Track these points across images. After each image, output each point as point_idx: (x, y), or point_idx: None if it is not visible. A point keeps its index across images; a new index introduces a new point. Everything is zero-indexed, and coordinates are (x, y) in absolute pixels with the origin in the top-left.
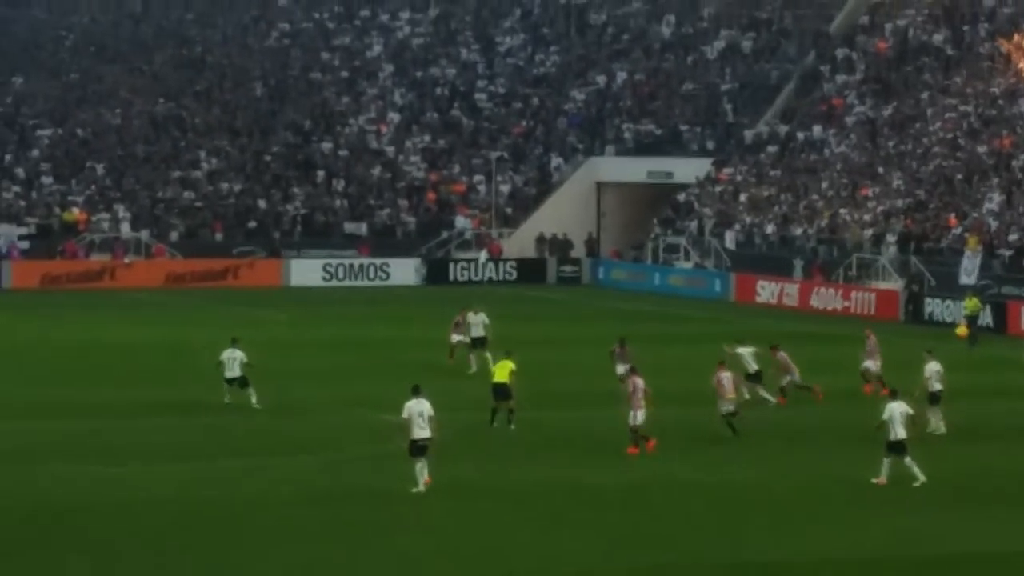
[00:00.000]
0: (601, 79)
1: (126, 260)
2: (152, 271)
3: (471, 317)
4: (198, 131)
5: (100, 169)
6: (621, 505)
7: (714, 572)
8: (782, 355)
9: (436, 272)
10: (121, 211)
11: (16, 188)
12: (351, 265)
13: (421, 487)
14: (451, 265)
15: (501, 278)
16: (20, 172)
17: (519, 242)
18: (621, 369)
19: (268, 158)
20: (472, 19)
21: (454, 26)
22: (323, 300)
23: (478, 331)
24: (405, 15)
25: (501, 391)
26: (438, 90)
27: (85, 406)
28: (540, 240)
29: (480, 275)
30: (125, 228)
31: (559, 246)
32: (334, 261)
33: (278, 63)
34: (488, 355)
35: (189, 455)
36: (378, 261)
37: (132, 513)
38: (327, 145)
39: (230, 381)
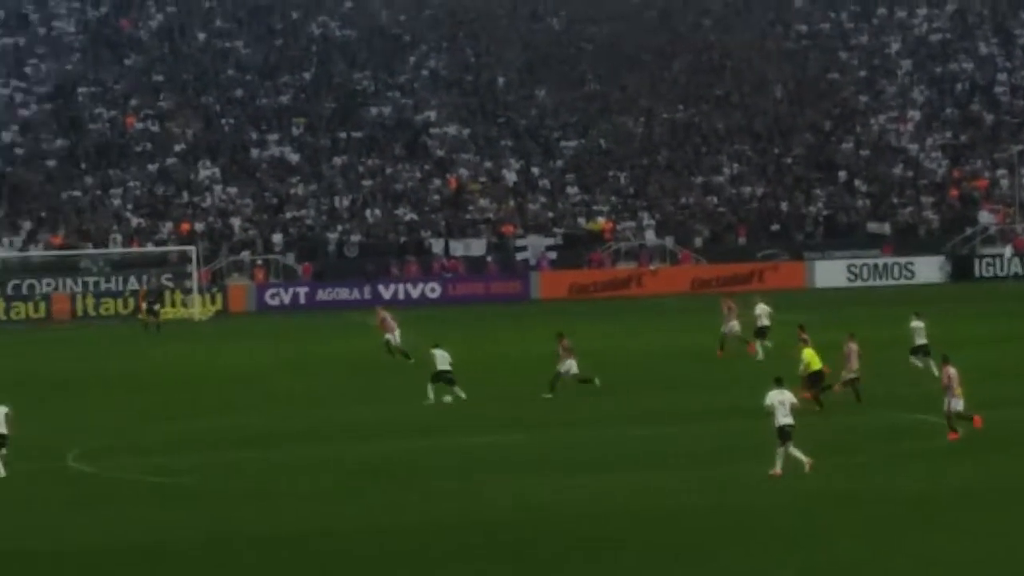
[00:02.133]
0: None
1: (652, 267)
2: (678, 277)
3: (759, 308)
4: (719, 136)
5: (623, 178)
6: None
7: None
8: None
9: (961, 269)
10: (645, 218)
11: (542, 199)
12: (875, 265)
13: (778, 470)
14: (976, 261)
15: None
16: (545, 183)
17: None
18: None
19: (789, 160)
20: (989, 12)
21: (971, 20)
22: (848, 301)
23: (763, 321)
24: (922, 11)
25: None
26: (958, 85)
27: (614, 415)
28: None
29: (1006, 270)
30: (650, 235)
31: None
32: (858, 261)
33: (797, 65)
34: (768, 344)
35: (714, 460)
36: (902, 260)
37: (663, 521)
38: (848, 145)
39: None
